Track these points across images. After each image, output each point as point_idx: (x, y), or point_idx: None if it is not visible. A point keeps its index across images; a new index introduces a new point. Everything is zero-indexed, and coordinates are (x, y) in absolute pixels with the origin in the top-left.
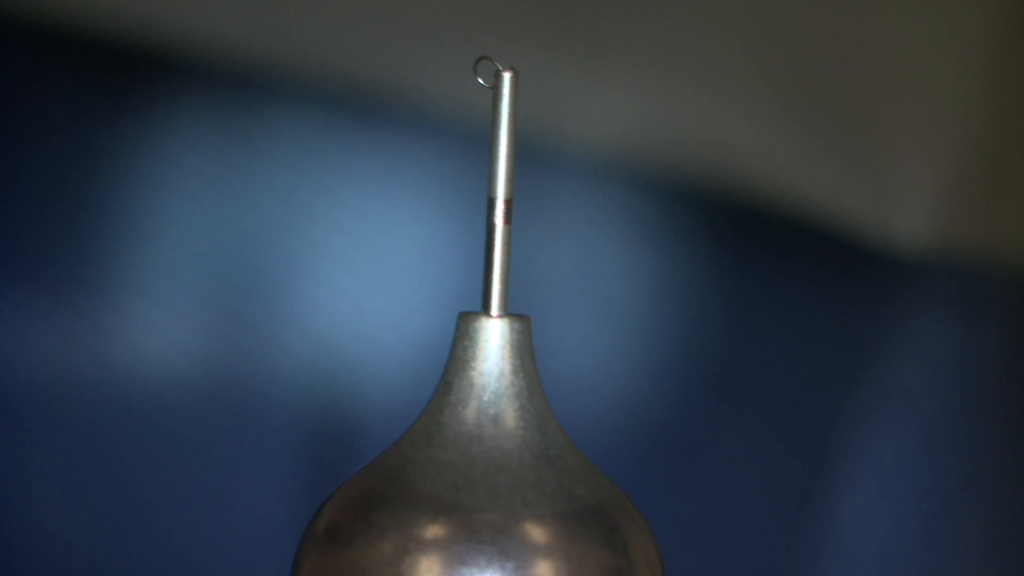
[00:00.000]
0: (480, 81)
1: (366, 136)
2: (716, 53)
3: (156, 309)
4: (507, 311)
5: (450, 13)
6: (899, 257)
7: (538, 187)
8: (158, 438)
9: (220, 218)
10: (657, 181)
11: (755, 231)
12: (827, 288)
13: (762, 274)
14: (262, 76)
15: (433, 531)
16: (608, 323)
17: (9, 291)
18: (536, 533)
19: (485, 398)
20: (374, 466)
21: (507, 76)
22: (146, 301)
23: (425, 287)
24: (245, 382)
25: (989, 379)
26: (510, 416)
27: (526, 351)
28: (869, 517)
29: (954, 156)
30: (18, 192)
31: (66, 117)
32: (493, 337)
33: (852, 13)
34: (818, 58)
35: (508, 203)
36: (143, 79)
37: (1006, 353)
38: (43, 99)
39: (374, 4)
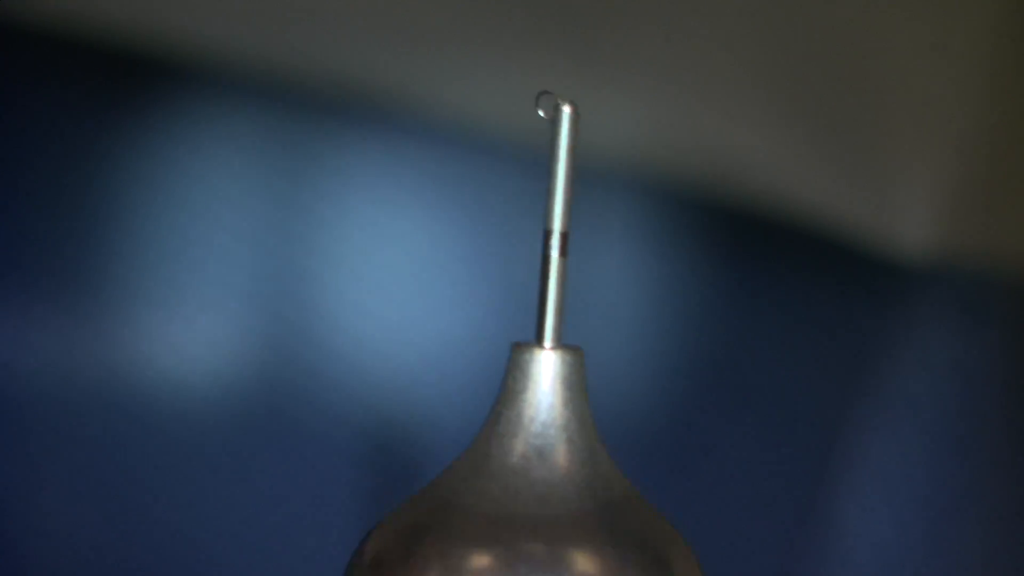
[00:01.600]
0: (540, 113)
1: (368, 142)
2: (718, 61)
3: (156, 314)
4: (560, 343)
5: (454, 20)
6: (901, 264)
7: (539, 190)
8: (159, 444)
9: (224, 224)
10: (659, 187)
11: (758, 238)
12: (829, 294)
13: (764, 280)
14: (270, 84)
15: (474, 563)
16: (610, 329)
17: (10, 296)
18: (577, 566)
19: (534, 430)
20: (421, 496)
21: (566, 110)
22: (147, 307)
23: (427, 291)
24: (246, 387)
25: (991, 385)
26: (558, 449)
27: (577, 383)
28: (871, 522)
29: (956, 163)
30: (19, 196)
31: (67, 122)
32: (545, 369)
33: (854, 21)
34: (820, 65)
35: (564, 236)
36: (144, 84)
37: (1008, 359)
38: (43, 103)
39: (378, 10)
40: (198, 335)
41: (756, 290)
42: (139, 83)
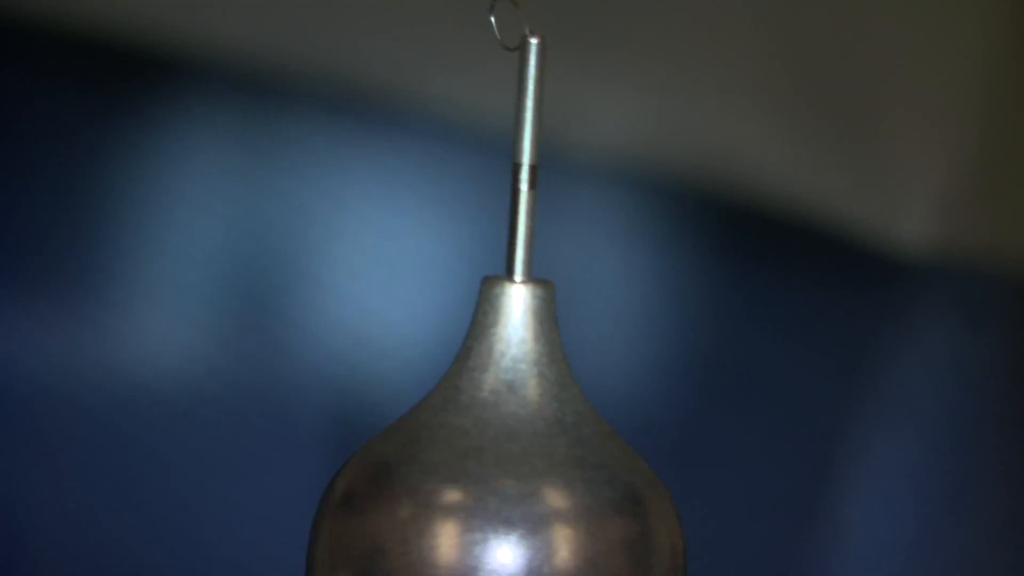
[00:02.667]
0: (500, 39)
1: (368, 140)
2: (720, 58)
3: (158, 312)
4: (531, 277)
5: (451, 16)
6: (902, 261)
7: (540, 190)
8: (161, 441)
9: (223, 221)
10: (660, 184)
11: (758, 235)
12: (830, 292)
13: (764, 278)
14: (265, 80)
15: (444, 498)
16: (610, 326)
17: (11, 295)
18: (547, 500)
19: (504, 364)
20: (390, 432)
21: (534, 42)
22: (148, 305)
23: (424, 288)
24: (246, 384)
25: (991, 383)
26: (529, 383)
27: (548, 317)
28: (871, 520)
29: (956, 161)
30: (20, 196)
31: (67, 121)
32: (515, 302)
33: (855, 19)
34: (821, 63)
35: (533, 168)
36: (146, 83)
37: (1008, 357)
38: (44, 103)
39: (375, 6)
40: (195, 331)
41: (755, 288)
42: (139, 82)
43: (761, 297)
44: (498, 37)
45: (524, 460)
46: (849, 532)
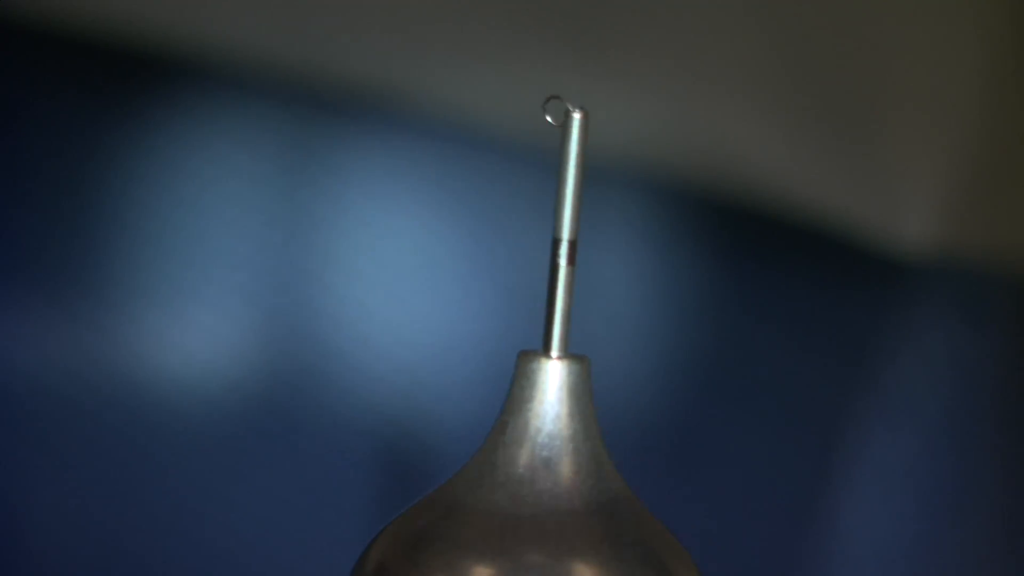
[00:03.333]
0: (549, 120)
1: (370, 140)
2: (720, 58)
3: (158, 313)
4: (567, 352)
5: (457, 18)
6: (902, 261)
7: (541, 190)
8: (161, 442)
9: (223, 221)
10: (660, 184)
11: (759, 234)
12: (830, 291)
13: (765, 277)
14: (266, 80)
15: (479, 573)
16: (612, 325)
17: (11, 295)
18: None
19: (540, 440)
20: (425, 505)
21: (576, 116)
22: (147, 305)
23: (428, 288)
24: (247, 385)
25: (991, 382)
26: (563, 460)
27: (584, 393)
28: (871, 519)
29: (957, 160)
30: (20, 196)
31: (68, 121)
32: (552, 378)
33: (856, 19)
34: (822, 63)
35: (572, 244)
36: (146, 83)
37: (1008, 356)
38: (45, 102)
39: (380, 8)
40: (200, 333)
41: (755, 287)
42: (140, 82)
43: (761, 297)
44: (546, 118)
45: (560, 538)
46: (849, 531)
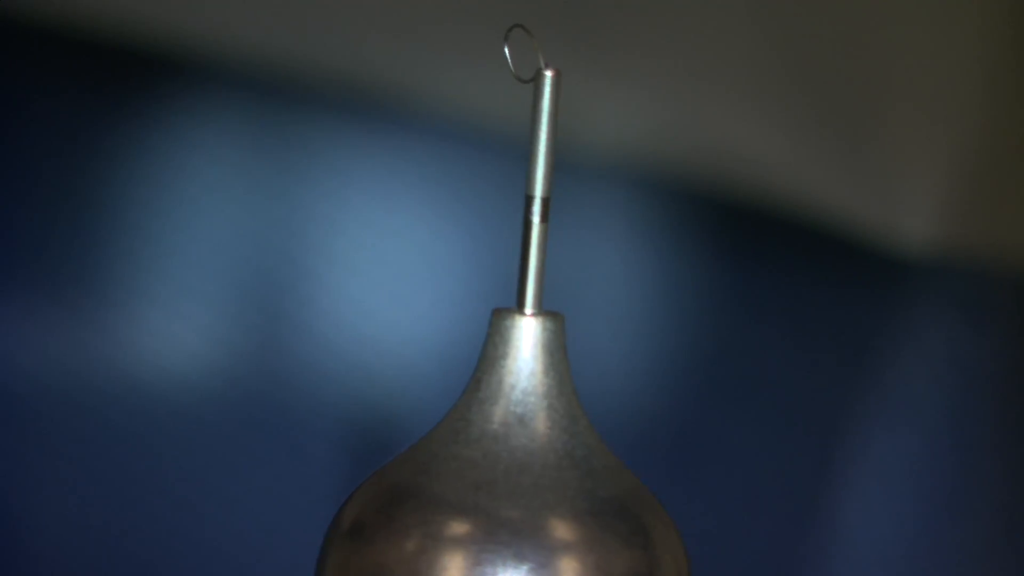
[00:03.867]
0: (510, 65)
1: (366, 137)
2: (720, 57)
3: (159, 312)
4: (542, 309)
5: (452, 14)
6: (903, 260)
7: None
8: (161, 440)
9: (224, 220)
10: (661, 183)
11: (759, 233)
12: (831, 290)
13: (766, 276)
14: (267, 80)
15: (454, 530)
16: (611, 325)
17: (12, 294)
18: (556, 533)
19: (514, 396)
20: (400, 461)
21: (548, 74)
22: (148, 304)
23: (425, 288)
24: (247, 383)
25: (992, 381)
26: (538, 416)
27: (558, 350)
28: (872, 518)
29: (958, 159)
30: (20, 195)
31: (69, 120)
32: (526, 335)
33: (857, 18)
34: (823, 61)
35: (546, 201)
36: (147, 82)
37: (1009, 356)
38: (44, 102)
39: (375, 4)
40: (200, 331)
41: (756, 286)
42: (138, 80)
43: (761, 296)
44: (512, 69)
45: (534, 493)
46: (849, 531)
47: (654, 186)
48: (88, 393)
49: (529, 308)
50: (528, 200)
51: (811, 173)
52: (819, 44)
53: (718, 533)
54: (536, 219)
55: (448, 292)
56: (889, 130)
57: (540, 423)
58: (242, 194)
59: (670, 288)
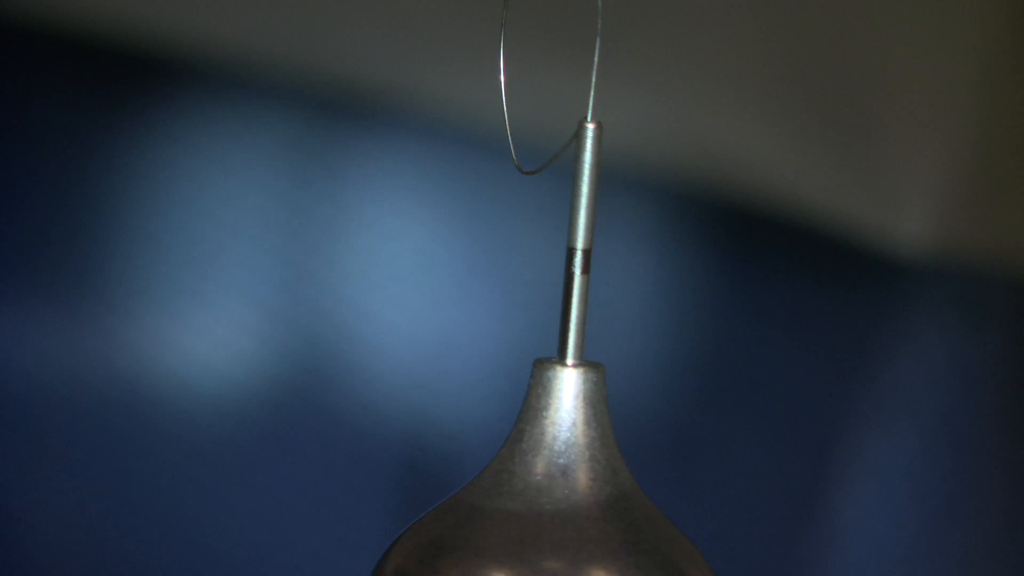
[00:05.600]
0: (519, 166)
1: (371, 142)
2: (717, 59)
3: (157, 313)
4: (583, 360)
5: (453, 16)
6: (900, 261)
7: (543, 192)
8: (160, 442)
9: (222, 222)
10: (657, 185)
11: (756, 235)
12: (828, 292)
13: (762, 278)
14: (264, 81)
15: None
16: (608, 327)
17: (10, 295)
18: None
19: (556, 448)
20: (442, 512)
21: (590, 127)
22: (148, 305)
23: (427, 293)
24: (246, 386)
25: (989, 383)
26: (580, 468)
27: (599, 400)
28: (869, 520)
29: (955, 161)
30: (19, 196)
31: (69, 122)
32: (567, 386)
33: (854, 18)
34: (820, 63)
35: (587, 253)
36: (146, 85)
37: (1006, 357)
38: (46, 103)
39: (382, 10)
40: (199, 334)
41: (753, 287)
42: (142, 83)
43: (759, 297)
44: (514, 158)
45: (578, 545)
46: (847, 532)
47: (653, 188)
48: (88, 395)
49: (571, 359)
50: (570, 252)
51: (809, 175)
52: (818, 48)
53: (717, 534)
54: (578, 271)
55: (452, 297)
56: (887, 132)
57: (582, 475)
58: (243, 196)
59: (669, 289)
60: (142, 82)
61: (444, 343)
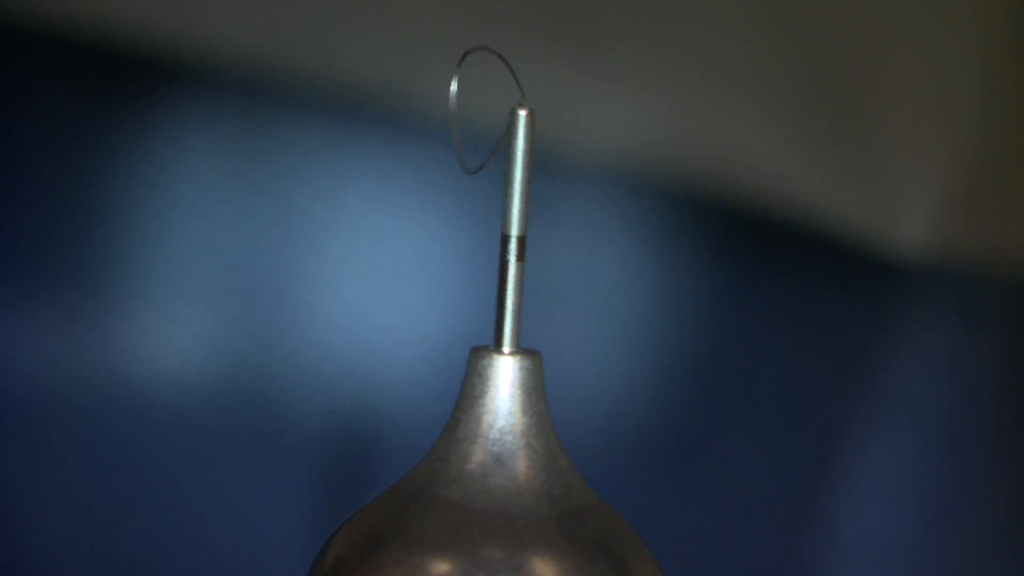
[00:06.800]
0: (462, 164)
1: (365, 140)
2: (716, 60)
3: (156, 314)
4: (518, 347)
5: (450, 17)
6: (900, 263)
7: (537, 192)
8: (159, 444)
9: (221, 223)
10: (656, 187)
11: (756, 237)
12: (828, 294)
13: (762, 280)
14: (263, 81)
15: (433, 569)
16: (607, 329)
17: (10, 296)
18: (535, 572)
19: (492, 436)
20: (381, 501)
21: (522, 113)
22: (146, 306)
23: (422, 290)
24: (245, 388)
25: (989, 385)
26: (517, 455)
27: (536, 388)
28: (869, 522)
29: (955, 163)
30: (19, 196)
31: (67, 122)
32: (503, 374)
33: (854, 19)
34: (819, 64)
35: (522, 240)
36: (144, 85)
37: (1006, 360)
38: (44, 103)
39: (373, 8)
40: (198, 334)
41: (753, 290)
42: (139, 84)
43: (759, 299)
44: (459, 158)
45: (512, 533)
46: (847, 534)
47: (651, 190)
48: (87, 395)
49: (507, 347)
50: (504, 239)
51: (809, 177)
52: (817, 47)
53: (716, 535)
54: (512, 258)
55: (446, 296)
56: (887, 133)
57: (519, 462)
58: (240, 196)
59: (667, 291)
60: (142, 83)
61: (443, 344)
